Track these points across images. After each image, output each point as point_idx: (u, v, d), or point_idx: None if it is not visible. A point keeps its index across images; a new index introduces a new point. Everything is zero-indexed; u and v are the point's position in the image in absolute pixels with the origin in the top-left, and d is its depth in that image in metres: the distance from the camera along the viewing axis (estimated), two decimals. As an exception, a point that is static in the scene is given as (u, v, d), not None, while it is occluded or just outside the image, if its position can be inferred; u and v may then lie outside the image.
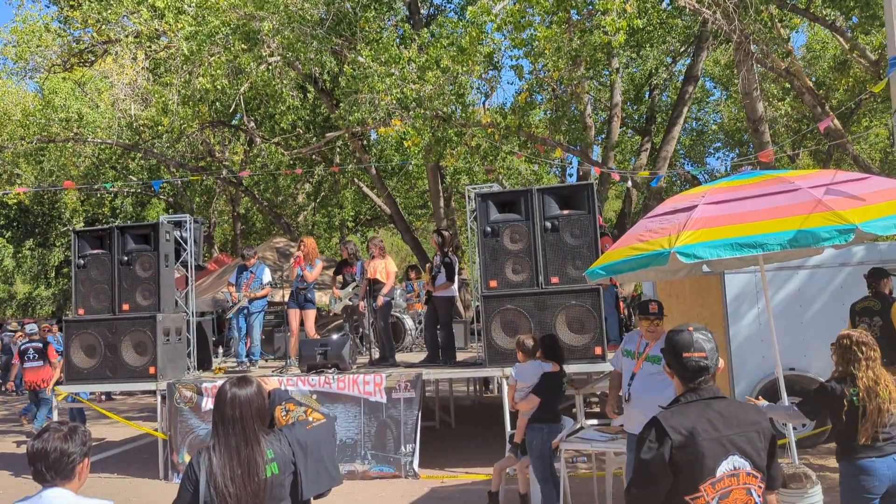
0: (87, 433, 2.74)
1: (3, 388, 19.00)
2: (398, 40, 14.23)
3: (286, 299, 11.78)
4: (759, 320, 8.32)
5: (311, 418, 2.94)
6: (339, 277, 10.55)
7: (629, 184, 15.66)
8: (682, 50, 18.95)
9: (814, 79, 18.80)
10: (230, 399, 2.77)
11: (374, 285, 9.54)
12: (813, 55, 19.89)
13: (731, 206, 4.42)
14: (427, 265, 10.11)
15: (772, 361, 7.90)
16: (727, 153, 26.81)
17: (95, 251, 9.27)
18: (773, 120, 20.22)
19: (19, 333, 19.57)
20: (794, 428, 7.39)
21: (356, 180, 20.93)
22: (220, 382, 6.87)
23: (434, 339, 9.36)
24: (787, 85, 16.71)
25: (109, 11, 14.62)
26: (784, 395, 5.15)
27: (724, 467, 2.44)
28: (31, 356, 11.38)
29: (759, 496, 2.50)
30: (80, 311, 9.19)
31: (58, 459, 2.60)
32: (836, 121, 12.55)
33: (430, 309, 9.48)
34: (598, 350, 7.78)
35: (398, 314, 11.85)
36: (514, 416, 6.78)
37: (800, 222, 4.03)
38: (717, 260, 4.84)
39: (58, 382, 10.28)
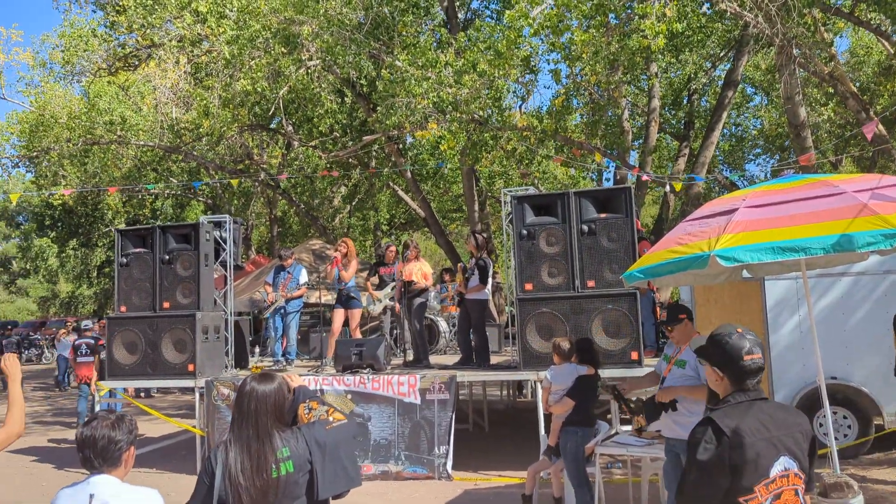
0: (133, 422, 2.82)
1: (65, 387, 19.50)
2: (435, 44, 14.30)
3: (322, 300, 11.91)
4: (800, 328, 8.18)
5: (331, 418, 2.92)
6: (375, 279, 10.60)
7: (667, 189, 15.51)
8: (721, 54, 18.73)
9: (858, 84, 18.43)
10: (249, 392, 2.79)
11: (409, 287, 9.58)
12: (857, 60, 19.53)
13: (772, 209, 4.35)
14: (459, 265, 10.09)
15: (812, 370, 7.78)
16: (767, 159, 26.40)
17: (138, 250, 9.47)
18: (816, 125, 19.88)
19: (63, 331, 20.06)
20: (836, 437, 7.24)
21: (391, 184, 21.05)
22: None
23: (467, 342, 9.36)
24: (831, 90, 16.42)
25: (154, 16, 14.93)
26: (826, 404, 5.05)
27: (777, 468, 2.43)
28: (84, 351, 11.86)
29: (803, 497, 2.49)
30: (123, 309, 9.39)
31: (106, 447, 2.68)
32: (881, 126, 12.29)
33: (462, 311, 9.48)
34: (634, 355, 7.71)
35: (432, 316, 11.87)
36: (548, 419, 6.76)
37: (844, 226, 3.96)
38: (758, 265, 4.78)
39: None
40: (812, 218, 4.11)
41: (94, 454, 2.67)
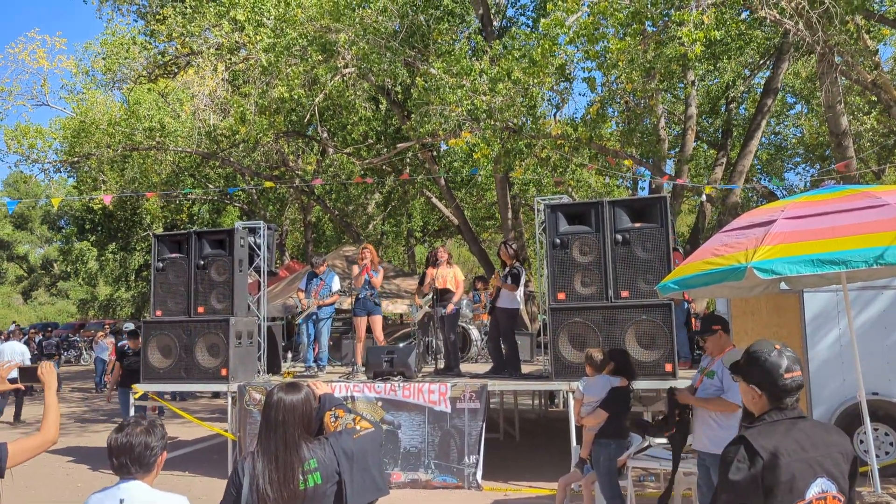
0: (164, 427, 2.83)
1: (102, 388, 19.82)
2: (470, 52, 14.30)
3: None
4: (839, 342, 7.97)
5: (358, 427, 2.90)
6: (424, 288, 10.48)
7: (703, 198, 15.29)
8: (760, 62, 18.44)
9: (902, 92, 17.98)
10: (276, 403, 2.77)
11: (442, 294, 9.56)
12: (901, 67, 19.06)
13: (812, 220, 4.25)
14: (495, 272, 10.00)
15: (852, 385, 7.58)
16: (807, 168, 25.91)
17: (174, 255, 9.60)
18: (858, 134, 19.46)
19: (101, 333, 20.44)
20: (878, 455, 7.05)
21: (425, 191, 21.10)
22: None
23: (497, 350, 9.31)
24: (874, 98, 16.06)
25: (193, 25, 15.18)
26: (867, 420, 4.91)
27: (813, 490, 2.35)
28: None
29: None
30: (158, 313, 9.52)
31: (142, 452, 2.69)
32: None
33: (493, 320, 9.45)
34: (668, 367, 7.60)
35: (464, 324, 11.84)
36: (579, 430, 6.68)
37: (887, 239, 3.84)
38: (797, 277, 4.67)
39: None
40: (854, 230, 4.01)
41: (130, 460, 2.68)
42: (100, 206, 22.27)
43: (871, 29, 13.51)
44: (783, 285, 5.66)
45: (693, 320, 10.38)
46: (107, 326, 22.13)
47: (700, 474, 5.05)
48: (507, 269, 9.18)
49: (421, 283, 10.49)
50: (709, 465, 4.92)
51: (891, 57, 19.85)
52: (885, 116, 17.93)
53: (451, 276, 9.62)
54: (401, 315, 10.60)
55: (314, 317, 10.24)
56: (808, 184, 23.01)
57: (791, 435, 2.40)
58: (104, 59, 17.16)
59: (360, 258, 9.83)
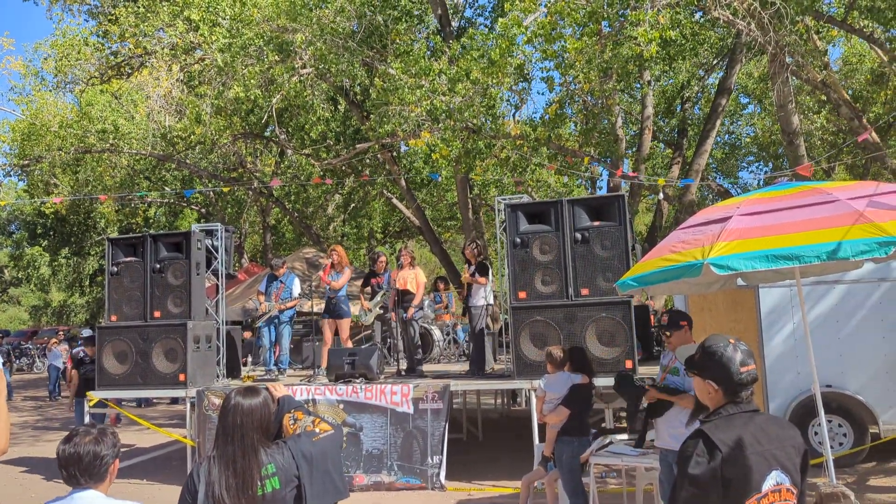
0: (116, 434, 2.74)
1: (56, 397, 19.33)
2: (429, 52, 14.29)
3: (315, 309, 11.81)
4: (794, 335, 8.14)
5: (317, 429, 2.85)
6: (368, 289, 10.52)
7: (661, 196, 15.50)
8: (714, 62, 18.77)
9: (851, 91, 18.48)
10: (233, 407, 2.71)
11: (403, 296, 9.53)
12: (850, 68, 19.56)
13: (767, 217, 4.33)
14: (464, 270, 9.97)
15: (807, 378, 7.75)
16: (760, 167, 26.47)
17: (129, 259, 9.39)
18: (809, 133, 19.92)
19: (54, 340, 19.93)
20: (832, 446, 7.20)
21: (386, 192, 21.01)
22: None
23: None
24: (824, 97, 16.46)
25: (146, 24, 14.90)
26: (821, 412, 5.02)
27: (769, 482, 2.37)
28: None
29: None
30: (113, 318, 9.31)
31: (91, 462, 2.59)
32: (874, 134, 12.30)
33: (469, 319, 9.53)
34: (628, 363, 7.67)
35: (427, 325, 11.82)
36: (542, 428, 6.70)
37: (838, 234, 3.93)
38: (752, 273, 4.74)
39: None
40: (806, 226, 4.09)
41: (79, 471, 2.58)
42: (52, 210, 21.74)
43: (821, 30, 13.83)
44: (740, 281, 5.76)
45: (652, 318, 10.52)
46: (60, 333, 21.58)
47: (662, 469, 5.09)
48: (474, 265, 9.23)
49: (365, 285, 10.39)
50: (671, 462, 4.96)
51: (839, 57, 20.33)
52: (834, 115, 18.39)
53: (411, 277, 9.60)
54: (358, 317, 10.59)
55: (275, 320, 10.13)
56: (761, 182, 23.49)
57: (748, 428, 2.41)
58: (55, 60, 16.75)
59: (326, 259, 9.80)
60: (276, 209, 24.66)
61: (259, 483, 2.63)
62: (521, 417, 12.45)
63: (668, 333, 5.22)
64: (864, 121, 13.33)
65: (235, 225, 24.61)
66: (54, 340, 20.00)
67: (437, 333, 12.13)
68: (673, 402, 5.02)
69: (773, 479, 2.38)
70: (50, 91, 17.26)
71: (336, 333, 9.92)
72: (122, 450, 2.81)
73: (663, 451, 5.06)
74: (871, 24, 13.51)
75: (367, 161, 19.29)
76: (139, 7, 15.29)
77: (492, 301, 9.77)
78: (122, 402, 11.88)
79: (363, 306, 10.21)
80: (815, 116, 20.23)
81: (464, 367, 10.30)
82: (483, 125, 12.67)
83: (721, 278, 5.21)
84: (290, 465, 2.68)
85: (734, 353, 2.52)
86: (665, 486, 5.05)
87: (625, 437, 6.93)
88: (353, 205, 25.38)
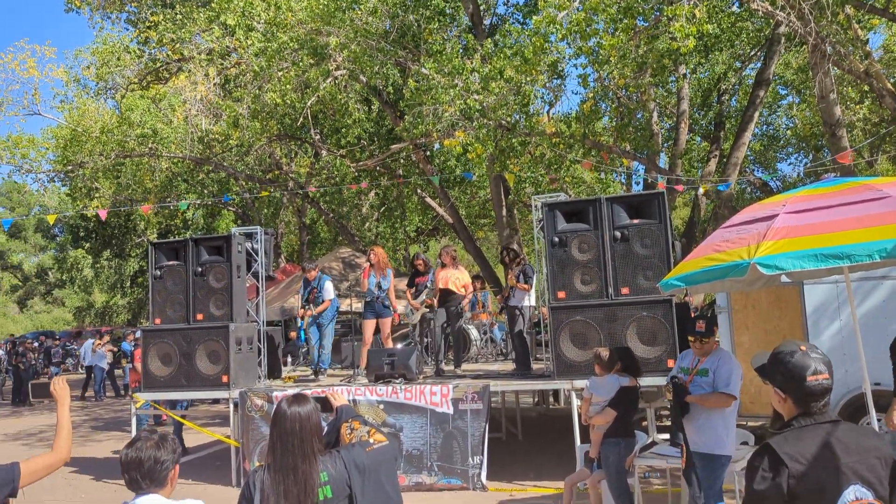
0: (175, 440, 2.80)
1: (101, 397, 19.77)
2: (461, 51, 14.27)
3: (353, 308, 11.88)
4: (841, 333, 7.98)
5: (372, 440, 2.85)
6: (413, 289, 10.46)
7: (699, 191, 15.30)
8: (751, 54, 18.45)
9: (894, 80, 18.03)
10: (290, 416, 2.73)
11: (444, 295, 9.54)
12: (892, 56, 19.09)
13: (814, 214, 4.24)
14: (510, 272, 9.92)
15: (855, 376, 7.58)
16: (800, 158, 25.94)
17: (171, 262, 9.56)
18: (851, 124, 19.49)
19: (98, 342, 20.34)
20: None
21: (419, 191, 21.05)
22: (290, 392, 6.97)
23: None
24: (866, 88, 16.09)
25: (183, 30, 15.12)
26: (872, 411, 4.91)
27: (847, 497, 2.25)
28: None
29: None
30: (157, 321, 9.48)
31: (152, 467, 2.66)
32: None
33: (509, 318, 9.54)
34: (671, 363, 7.59)
35: (463, 324, 11.82)
36: (584, 429, 6.67)
37: (891, 232, 3.84)
38: (798, 270, 4.67)
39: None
40: (857, 223, 4.00)
41: (140, 475, 2.65)
42: (94, 213, 22.17)
43: (861, 19, 13.52)
44: (784, 278, 5.66)
45: (692, 314, 10.39)
46: (106, 336, 22.00)
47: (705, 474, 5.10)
48: (519, 268, 9.22)
49: (410, 284, 10.41)
50: (699, 465, 4.99)
51: (880, 45, 19.84)
52: (877, 105, 17.96)
53: (454, 276, 9.60)
54: (404, 315, 10.68)
55: (318, 321, 10.19)
56: (801, 174, 23.03)
57: (821, 440, 2.31)
58: (96, 67, 17.09)
59: (366, 261, 9.83)
60: (311, 209, 24.85)
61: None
62: (560, 416, 12.39)
63: (703, 339, 5.20)
64: (909, 110, 12.98)
65: (272, 225, 24.85)
66: (98, 342, 20.38)
67: (473, 332, 12.12)
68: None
69: (852, 493, 2.27)
70: (91, 97, 17.61)
71: (376, 332, 9.95)
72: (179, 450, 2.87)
73: (696, 455, 5.09)
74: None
75: (401, 161, 19.36)
76: (176, 13, 15.52)
77: (534, 303, 9.74)
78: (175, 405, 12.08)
79: (411, 305, 10.20)
80: (857, 107, 19.77)
81: (502, 366, 10.28)
82: (517, 123, 12.63)
83: (764, 277, 5.12)
84: (343, 474, 2.69)
85: (803, 359, 2.42)
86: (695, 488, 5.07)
87: (667, 436, 6.87)
88: (388, 204, 25.46)
